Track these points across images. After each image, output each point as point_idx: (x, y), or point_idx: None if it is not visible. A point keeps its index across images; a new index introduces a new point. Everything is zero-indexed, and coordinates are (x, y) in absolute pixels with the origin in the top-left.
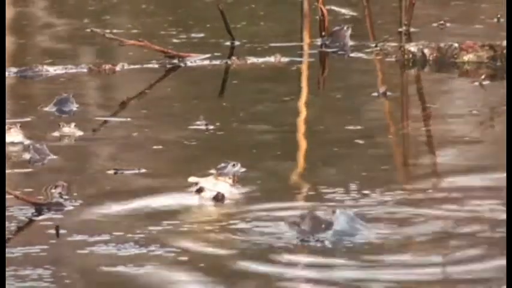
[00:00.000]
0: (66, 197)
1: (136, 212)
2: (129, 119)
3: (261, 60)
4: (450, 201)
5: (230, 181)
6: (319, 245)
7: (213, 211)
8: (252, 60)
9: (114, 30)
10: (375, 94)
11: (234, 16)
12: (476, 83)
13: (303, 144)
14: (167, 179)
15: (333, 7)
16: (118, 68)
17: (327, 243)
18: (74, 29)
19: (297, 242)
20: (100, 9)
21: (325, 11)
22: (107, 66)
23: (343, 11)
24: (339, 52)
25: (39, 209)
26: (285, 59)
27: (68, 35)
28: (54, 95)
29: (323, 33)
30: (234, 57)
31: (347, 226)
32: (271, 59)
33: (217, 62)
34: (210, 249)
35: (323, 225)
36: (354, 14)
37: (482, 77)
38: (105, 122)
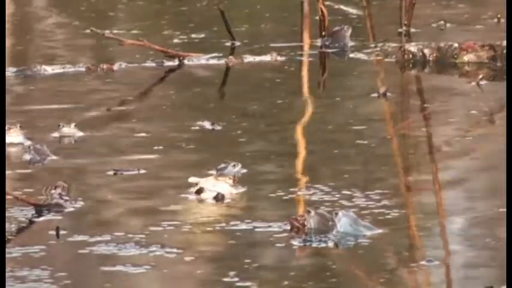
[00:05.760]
0: (66, 197)
1: (137, 212)
2: (128, 119)
3: (257, 59)
4: (450, 200)
5: (230, 181)
6: (322, 245)
7: (213, 211)
8: (248, 59)
9: (115, 31)
10: (375, 95)
11: (236, 17)
12: (475, 83)
13: (303, 144)
14: (167, 180)
15: (341, 6)
16: (116, 67)
17: (330, 244)
18: (74, 28)
19: (299, 242)
20: (100, 9)
21: (325, 11)
22: (105, 66)
23: (350, 10)
24: (339, 52)
25: (39, 210)
26: (281, 58)
27: (67, 34)
28: (52, 95)
29: (323, 33)
30: (231, 57)
31: (350, 228)
32: (268, 57)
33: (214, 61)
34: (210, 250)
35: (330, 223)
36: (360, 13)
37: (480, 77)
38: (105, 122)
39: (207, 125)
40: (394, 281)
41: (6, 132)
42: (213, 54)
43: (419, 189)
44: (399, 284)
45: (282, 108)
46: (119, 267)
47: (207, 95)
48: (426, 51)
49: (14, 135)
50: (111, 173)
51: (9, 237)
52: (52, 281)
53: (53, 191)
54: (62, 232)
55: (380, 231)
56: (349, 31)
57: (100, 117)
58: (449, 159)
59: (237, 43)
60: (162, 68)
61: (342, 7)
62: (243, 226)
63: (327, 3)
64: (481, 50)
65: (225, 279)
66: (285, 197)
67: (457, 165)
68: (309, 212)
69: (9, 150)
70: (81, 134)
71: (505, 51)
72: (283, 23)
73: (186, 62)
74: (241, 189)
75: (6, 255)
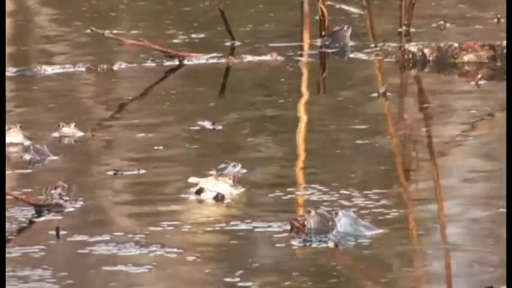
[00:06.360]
0: (66, 198)
1: (137, 212)
2: (128, 120)
3: (257, 58)
4: (449, 200)
5: (230, 182)
6: (322, 245)
7: (213, 211)
8: (248, 59)
9: (115, 31)
10: (375, 94)
11: (237, 17)
12: (475, 83)
13: (303, 144)
14: (167, 180)
15: (342, 6)
16: (115, 67)
17: (330, 244)
18: (74, 28)
19: (299, 242)
20: (101, 10)
21: (325, 11)
22: (105, 66)
23: (350, 9)
24: (339, 52)
25: (39, 210)
26: (281, 58)
27: (67, 34)
28: (53, 95)
29: (323, 33)
30: (230, 57)
31: (350, 228)
32: (268, 57)
33: (214, 61)
34: (210, 250)
35: (330, 223)
36: (361, 12)
37: (479, 76)
38: (105, 122)
39: (208, 124)
40: (394, 281)
41: (6, 132)
42: (213, 54)
43: (419, 188)
44: (399, 284)
45: (282, 108)
46: (120, 267)
47: (207, 95)
48: (426, 51)
49: (14, 135)
50: (111, 173)
51: (9, 237)
52: (55, 281)
53: (53, 191)
54: (62, 232)
55: (380, 231)
56: (349, 31)
57: (100, 117)
58: (449, 158)
59: (237, 43)
60: (162, 68)
61: (343, 6)
62: (243, 226)
63: (328, 2)
64: (481, 50)
65: (226, 279)
66: (285, 197)
67: (457, 164)
68: (309, 212)
69: (9, 150)
70: (81, 134)
71: (505, 51)
72: (283, 22)
73: (186, 62)
74: (241, 190)
75: (6, 255)
